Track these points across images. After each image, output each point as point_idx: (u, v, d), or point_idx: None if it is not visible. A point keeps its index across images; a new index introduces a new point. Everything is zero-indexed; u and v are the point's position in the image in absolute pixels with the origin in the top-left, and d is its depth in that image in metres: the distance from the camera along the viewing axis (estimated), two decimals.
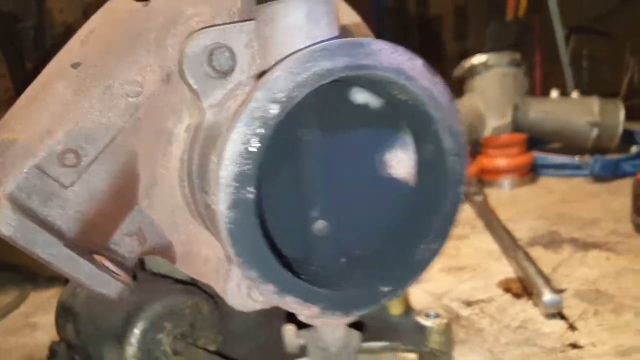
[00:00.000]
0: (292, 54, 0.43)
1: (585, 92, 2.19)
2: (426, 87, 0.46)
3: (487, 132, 2.05)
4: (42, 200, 0.52)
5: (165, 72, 0.55)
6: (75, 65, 0.56)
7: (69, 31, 0.64)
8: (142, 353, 0.64)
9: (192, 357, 0.66)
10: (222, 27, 0.52)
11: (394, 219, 0.53)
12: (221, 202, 0.41)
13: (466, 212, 1.56)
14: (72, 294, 0.75)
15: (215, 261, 0.58)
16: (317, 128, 0.50)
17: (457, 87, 2.21)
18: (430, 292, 1.06)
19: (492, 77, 2.08)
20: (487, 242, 1.30)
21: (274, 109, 0.41)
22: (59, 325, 0.76)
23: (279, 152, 0.48)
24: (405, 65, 0.45)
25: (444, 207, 0.49)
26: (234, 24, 0.52)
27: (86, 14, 0.65)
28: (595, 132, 1.97)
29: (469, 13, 3.73)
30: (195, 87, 0.52)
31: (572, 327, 0.87)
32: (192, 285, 0.70)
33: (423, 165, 0.52)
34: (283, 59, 0.43)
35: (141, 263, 0.76)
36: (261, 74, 0.45)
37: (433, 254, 0.49)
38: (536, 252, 1.19)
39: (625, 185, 1.35)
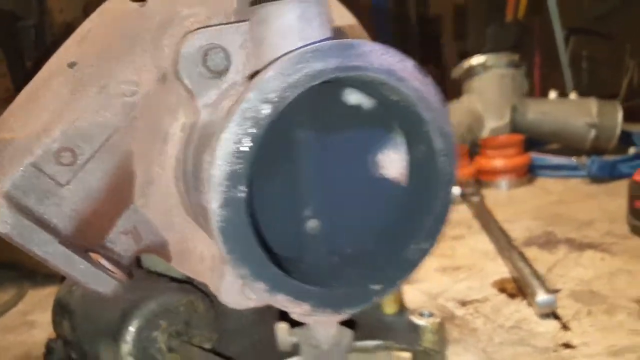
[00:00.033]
0: (284, 54, 0.44)
1: (584, 93, 2.20)
2: (417, 88, 0.47)
3: (485, 132, 2.05)
4: (39, 198, 0.53)
5: (161, 72, 0.56)
6: (72, 65, 0.57)
7: (69, 29, 0.64)
8: (137, 350, 0.65)
9: (187, 354, 0.67)
10: (217, 27, 0.53)
11: (386, 218, 0.54)
12: (213, 201, 0.41)
13: (463, 213, 1.57)
14: (68, 292, 0.76)
15: (210, 259, 0.58)
16: (310, 128, 0.51)
17: (457, 88, 2.22)
18: (425, 291, 1.06)
19: (490, 78, 2.08)
20: (483, 243, 1.31)
21: (266, 109, 0.42)
22: (56, 323, 0.76)
23: (272, 152, 0.49)
24: (396, 66, 0.46)
25: (435, 207, 0.50)
26: (229, 25, 0.53)
27: (86, 12, 0.66)
28: (593, 133, 1.98)
29: (468, 14, 3.73)
30: (190, 87, 0.53)
31: (565, 327, 0.88)
32: (187, 283, 0.71)
33: (414, 166, 0.52)
34: (275, 59, 0.44)
35: (138, 261, 0.76)
36: (254, 75, 0.46)
37: (424, 253, 0.50)
38: (532, 253, 1.20)
39: (622, 187, 1.35)
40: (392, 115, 0.52)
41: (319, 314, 0.47)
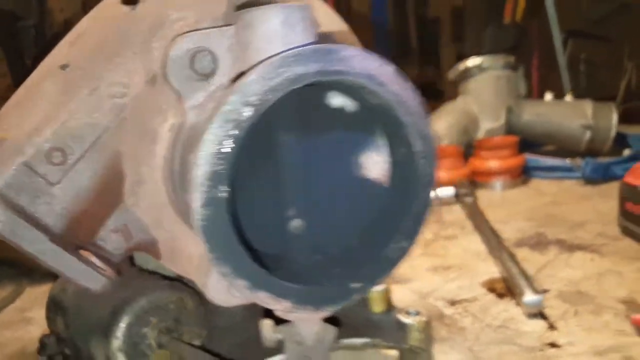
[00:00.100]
0: (267, 58, 0.45)
1: (582, 95, 2.21)
2: (397, 92, 0.48)
3: (480, 134, 2.06)
4: (30, 197, 0.55)
5: (151, 74, 0.57)
6: (63, 67, 0.59)
7: (68, 27, 0.66)
8: (128, 346, 0.66)
9: (177, 351, 0.68)
10: (205, 31, 0.54)
11: (368, 218, 0.55)
12: (195, 200, 0.43)
13: (456, 213, 1.58)
14: (62, 289, 0.77)
15: (197, 257, 0.60)
16: (294, 130, 0.52)
17: (455, 90, 2.23)
18: (416, 291, 1.08)
19: (486, 79, 2.10)
20: (475, 243, 1.32)
21: (247, 112, 0.43)
22: (50, 319, 0.78)
23: (257, 153, 0.50)
24: (377, 71, 0.47)
25: (414, 208, 0.51)
26: (216, 29, 0.54)
27: (86, 10, 0.67)
28: (588, 134, 1.99)
29: (467, 16, 3.74)
30: (177, 88, 0.54)
31: (552, 327, 0.89)
32: (178, 281, 0.72)
33: (395, 167, 0.54)
34: (258, 63, 0.45)
35: (130, 259, 0.78)
36: (237, 77, 0.47)
37: (403, 252, 0.51)
38: (523, 253, 1.21)
39: (615, 189, 1.36)
40: (374, 118, 0.53)
41: (301, 311, 0.49)
